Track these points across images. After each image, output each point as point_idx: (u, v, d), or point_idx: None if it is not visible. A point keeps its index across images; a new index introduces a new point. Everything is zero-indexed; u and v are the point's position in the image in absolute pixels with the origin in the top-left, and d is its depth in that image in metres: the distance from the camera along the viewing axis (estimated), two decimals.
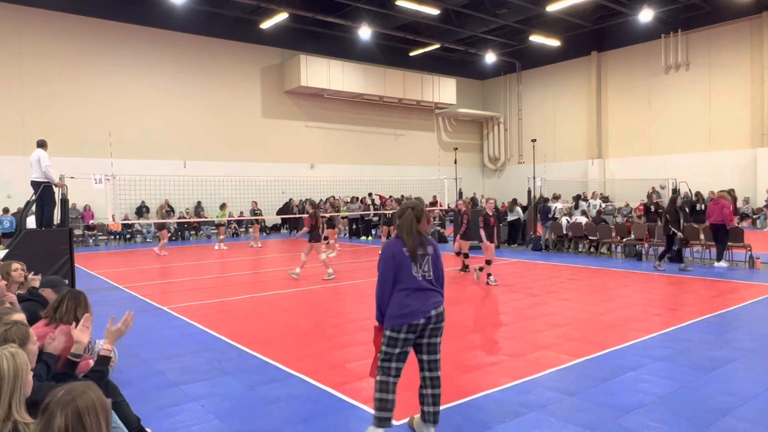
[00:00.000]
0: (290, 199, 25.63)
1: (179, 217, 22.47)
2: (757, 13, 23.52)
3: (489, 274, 10.41)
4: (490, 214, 10.78)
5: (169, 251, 17.14)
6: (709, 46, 25.41)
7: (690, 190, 23.51)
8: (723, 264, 12.02)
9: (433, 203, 23.34)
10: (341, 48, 28.14)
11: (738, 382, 4.94)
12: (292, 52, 26.77)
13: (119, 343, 5.43)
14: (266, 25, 24.60)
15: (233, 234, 24.20)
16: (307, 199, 18.08)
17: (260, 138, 26.22)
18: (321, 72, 26.58)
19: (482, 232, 10.56)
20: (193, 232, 23.54)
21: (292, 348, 6.40)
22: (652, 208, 16.63)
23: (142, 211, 22.40)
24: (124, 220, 19.91)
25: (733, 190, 20.63)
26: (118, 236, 21.97)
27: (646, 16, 23.82)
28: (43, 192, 10.26)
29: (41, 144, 10.40)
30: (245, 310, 8.64)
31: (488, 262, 10.45)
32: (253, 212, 20.23)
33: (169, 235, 20.13)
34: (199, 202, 23.51)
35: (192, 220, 22.53)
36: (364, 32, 24.67)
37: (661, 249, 12.38)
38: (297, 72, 26.04)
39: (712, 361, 5.55)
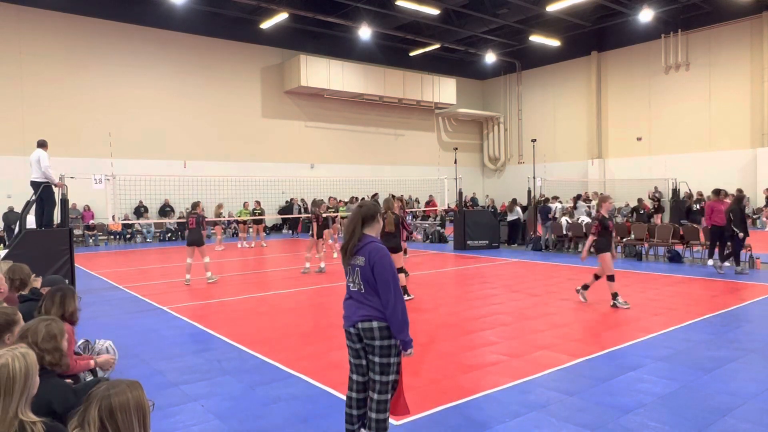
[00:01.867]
0: (291, 199, 25.65)
1: (179, 217, 22.45)
2: (757, 13, 23.51)
3: (615, 294, 8.18)
4: (607, 216, 8.47)
5: (169, 251, 17.13)
6: (709, 46, 25.40)
7: (690, 190, 23.51)
8: (726, 264, 11.91)
9: (429, 203, 23.33)
10: (341, 48, 28.14)
11: (738, 382, 4.94)
12: (292, 52, 26.77)
13: (119, 344, 5.44)
14: (266, 25, 24.60)
15: (233, 234, 24.19)
16: (321, 200, 18.12)
17: (260, 138, 26.22)
18: (321, 72, 26.58)
19: (589, 240, 8.49)
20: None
21: (292, 348, 6.40)
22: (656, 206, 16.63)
23: (140, 211, 22.40)
24: (125, 220, 19.91)
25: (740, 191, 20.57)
26: (118, 236, 21.96)
27: (646, 16, 23.81)
28: (43, 192, 10.27)
29: (41, 144, 10.41)
30: (245, 310, 8.64)
31: (610, 278, 8.21)
32: (254, 212, 20.21)
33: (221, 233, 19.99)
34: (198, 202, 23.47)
35: (240, 218, 22.50)
36: (364, 32, 24.67)
37: (662, 248, 12.37)
38: (297, 72, 26.04)
39: (712, 361, 5.55)
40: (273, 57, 26.78)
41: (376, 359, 3.39)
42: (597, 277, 8.50)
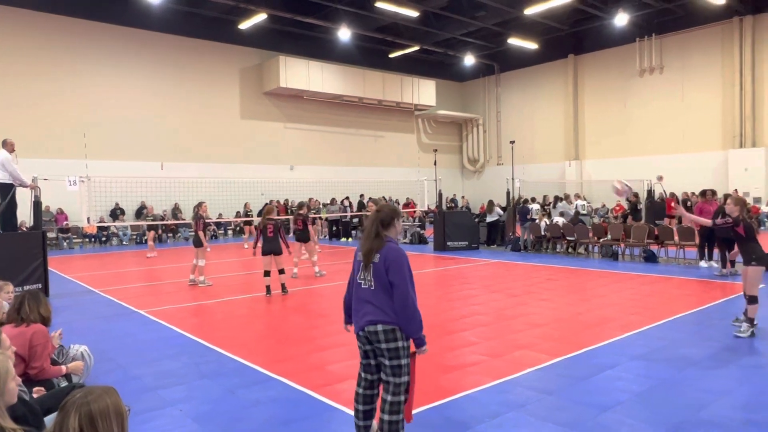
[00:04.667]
0: (270, 201, 25.47)
1: (159, 219, 22.13)
2: (728, 18, 24.08)
3: (752, 320, 6.50)
4: (740, 217, 6.65)
5: (145, 254, 16.87)
6: (683, 49, 25.94)
7: (664, 191, 23.94)
8: (704, 264, 12.08)
9: (407, 204, 23.38)
10: (320, 49, 28.06)
11: (711, 379, 5.05)
12: (271, 53, 26.61)
13: (95, 348, 5.34)
14: (245, 25, 24.43)
15: (212, 236, 23.94)
16: (303, 202, 17.98)
17: (239, 139, 25.99)
18: (300, 73, 26.48)
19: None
20: (170, 235, 23.23)
21: (271, 350, 6.35)
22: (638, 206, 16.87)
23: (116, 213, 22.04)
24: (100, 222, 19.54)
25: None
26: (93, 239, 21.56)
27: (621, 20, 24.22)
28: (6, 193, 9.96)
29: (4, 144, 10.11)
30: (224, 313, 8.55)
31: (752, 300, 6.48)
32: (246, 213, 19.91)
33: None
34: (176, 204, 23.21)
35: (241, 219, 22.19)
36: (344, 33, 24.65)
37: (637, 249, 12.54)
38: (276, 73, 25.90)
39: (687, 358, 5.66)
40: (252, 58, 26.60)
41: (386, 362, 3.45)
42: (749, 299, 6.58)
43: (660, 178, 19.48)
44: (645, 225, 14.77)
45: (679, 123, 26.13)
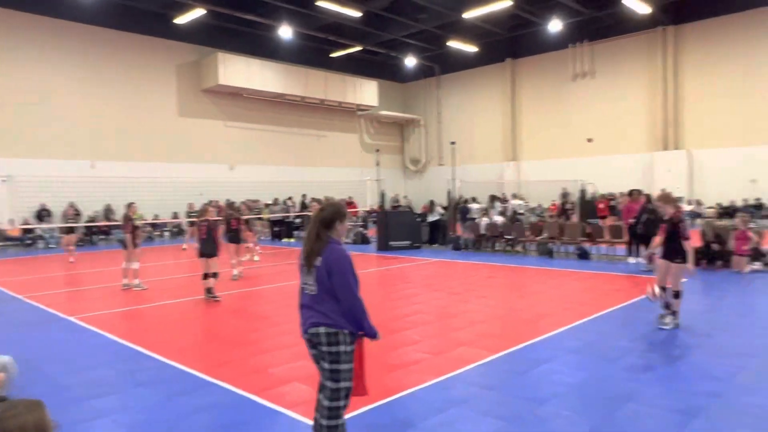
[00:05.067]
0: (210, 201, 24.78)
1: (87, 221, 21.10)
2: (653, 27, 25.49)
3: (675, 313, 6.89)
4: (675, 220, 6.85)
5: (76, 257, 16.05)
6: (612, 56, 27.25)
7: (597, 191, 25.10)
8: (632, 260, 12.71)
9: (348, 204, 23.39)
10: (261, 47, 27.58)
11: (640, 369, 5.33)
12: (210, 49, 25.91)
13: (20, 358, 5.03)
14: (181, 20, 23.65)
15: (147, 238, 23.05)
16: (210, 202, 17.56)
17: (176, 138, 25.15)
18: (240, 71, 25.93)
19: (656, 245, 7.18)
20: (103, 237, 22.18)
21: (211, 355, 6.20)
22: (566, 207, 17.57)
23: (42, 215, 20.83)
24: (24, 224, 18.41)
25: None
26: (17, 242, 20.27)
27: (555, 26, 25.18)
28: None
29: None
30: (160, 317, 8.26)
31: (677, 295, 6.85)
32: (189, 215, 19.24)
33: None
34: (108, 206, 22.18)
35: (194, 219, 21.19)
36: (285, 31, 24.35)
37: (571, 246, 13.05)
38: (215, 70, 25.25)
39: (617, 350, 5.96)
40: (189, 54, 25.80)
41: (326, 365, 3.34)
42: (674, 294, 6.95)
43: (590, 140, 20.45)
44: (578, 223, 15.43)
45: (609, 126, 27.42)
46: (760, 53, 22.91)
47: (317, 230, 3.37)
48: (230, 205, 12.94)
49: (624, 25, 25.94)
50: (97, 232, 21.95)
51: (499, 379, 5.13)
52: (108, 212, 22.14)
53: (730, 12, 23.47)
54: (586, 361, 5.61)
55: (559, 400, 4.59)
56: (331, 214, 3.41)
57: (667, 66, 25.31)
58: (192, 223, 19.80)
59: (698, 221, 20.98)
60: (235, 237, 12.17)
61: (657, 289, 6.97)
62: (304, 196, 25.23)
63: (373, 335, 3.42)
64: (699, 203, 24.06)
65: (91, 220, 21.75)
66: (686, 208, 23.88)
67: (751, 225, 12.29)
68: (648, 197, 12.84)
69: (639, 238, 12.03)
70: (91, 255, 17.76)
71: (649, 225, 11.68)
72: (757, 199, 22.59)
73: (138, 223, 10.94)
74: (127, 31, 23.65)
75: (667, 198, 7.15)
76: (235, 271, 11.91)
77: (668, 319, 6.88)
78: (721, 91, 24.04)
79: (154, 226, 23.49)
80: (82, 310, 8.76)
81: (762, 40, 22.82)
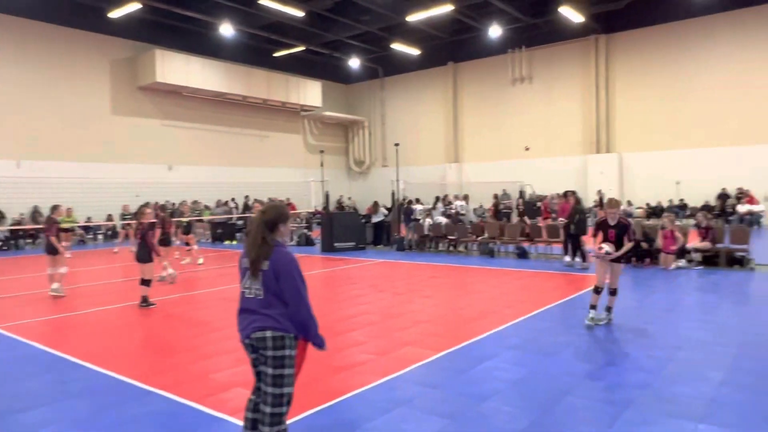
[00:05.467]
0: (146, 203, 23.87)
1: (11, 224, 19.87)
2: (586, 36, 26.62)
3: (610, 309, 7.30)
4: (611, 223, 7.14)
5: (1, 263, 15.09)
6: (549, 62, 28.25)
7: (534, 191, 25.94)
8: (577, 260, 13.18)
9: (288, 204, 23.14)
10: (201, 44, 26.86)
11: (576, 364, 5.55)
12: (147, 45, 24.98)
13: None
14: (116, 14, 22.64)
15: (79, 241, 21.98)
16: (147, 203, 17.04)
17: (110, 136, 24.06)
18: (179, 68, 25.13)
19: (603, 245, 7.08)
20: (30, 241, 20.93)
21: (149, 362, 5.97)
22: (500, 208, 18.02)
23: None
24: None
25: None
26: None
27: (495, 31, 25.85)
28: None
29: None
30: (93, 325, 7.89)
31: (615, 292, 7.25)
32: (123, 216, 18.42)
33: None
34: (36, 207, 20.97)
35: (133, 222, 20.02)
36: (226, 29, 23.81)
37: (511, 246, 13.40)
38: (152, 67, 24.35)
39: (555, 346, 6.18)
40: (124, 50, 24.77)
41: (269, 370, 3.25)
42: (611, 292, 7.27)
43: (527, 149, 21.32)
44: (518, 224, 15.89)
45: (546, 130, 28.41)
46: (683, 62, 24.36)
47: (262, 234, 3.29)
48: (161, 207, 12.58)
49: (560, 33, 26.95)
50: (24, 236, 20.72)
51: (442, 378, 5.21)
52: (36, 215, 20.92)
53: (656, 23, 24.85)
54: (526, 358, 5.79)
55: (501, 396, 4.72)
56: (274, 216, 3.35)
57: (600, 73, 26.50)
58: (124, 226, 19.06)
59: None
60: (167, 240, 11.89)
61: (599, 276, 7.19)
62: (246, 197, 24.76)
63: (320, 344, 3.39)
64: (629, 204, 25.29)
65: (17, 223, 20.52)
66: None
67: (677, 224, 13.03)
68: (576, 198, 13.39)
69: (571, 237, 12.52)
70: (15, 260, 16.73)
71: (580, 225, 12.26)
72: (681, 200, 24.00)
73: (67, 226, 10.42)
74: (57, 24, 22.46)
75: (616, 203, 7.29)
76: (171, 270, 11.58)
77: (604, 315, 7.21)
78: (648, 97, 25.39)
79: (86, 229, 22.42)
80: (5, 319, 8.24)
81: (684, 50, 24.28)
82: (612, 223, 7.12)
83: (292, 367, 3.31)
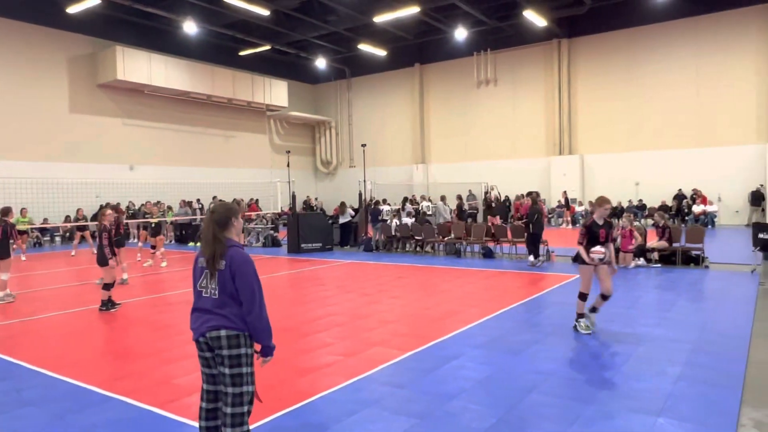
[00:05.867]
0: (106, 204, 23.27)
1: None
2: (549, 39, 27.16)
3: (581, 316, 6.86)
4: (600, 223, 6.71)
5: None
6: (513, 65, 28.71)
7: (499, 193, 26.31)
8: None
9: (249, 206, 22.90)
10: (164, 42, 26.31)
11: (541, 362, 5.65)
12: (107, 42, 24.32)
13: None
14: (74, 9, 21.96)
15: (35, 244, 21.24)
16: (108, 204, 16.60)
17: (68, 135, 23.32)
18: (141, 66, 24.55)
19: (581, 249, 6.70)
20: None
21: (109, 368, 5.81)
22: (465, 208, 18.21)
23: None
24: None
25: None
26: None
27: (460, 34, 26.14)
28: None
29: None
30: (50, 330, 7.63)
31: (604, 297, 6.80)
32: (76, 219, 17.85)
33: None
34: None
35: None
36: (189, 27, 23.38)
37: (477, 246, 13.55)
38: (112, 64, 23.71)
39: (520, 344, 6.28)
40: (83, 46, 24.06)
41: (226, 370, 3.23)
42: (604, 297, 6.80)
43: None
44: (483, 224, 16.08)
45: (510, 131, 28.86)
46: (642, 67, 25.10)
47: (213, 232, 3.29)
48: (115, 207, 12.26)
49: (523, 37, 27.42)
50: None
51: (410, 378, 5.23)
52: None
53: (617, 29, 25.54)
54: (492, 356, 5.86)
55: (468, 394, 4.77)
56: (223, 213, 3.35)
57: (562, 76, 27.06)
58: (81, 228, 18.49)
59: None
60: (120, 241, 11.62)
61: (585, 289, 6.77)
62: (215, 198, 24.35)
63: (268, 348, 3.32)
64: (590, 204, 25.89)
65: None
66: (579, 209, 25.66)
67: (636, 224, 13.42)
68: (533, 198, 13.67)
69: (530, 236, 12.81)
70: None
71: (537, 224, 12.57)
72: (640, 201, 24.71)
73: (22, 227, 10.04)
74: (12, 18, 21.65)
75: (607, 200, 6.80)
76: (125, 276, 11.38)
77: (593, 319, 6.88)
78: (608, 100, 26.08)
79: (43, 231, 21.68)
80: None
81: (643, 55, 25.03)
82: (600, 222, 6.66)
83: (250, 365, 3.29)
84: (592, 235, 6.64)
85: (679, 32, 24.18)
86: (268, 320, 3.30)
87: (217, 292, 3.26)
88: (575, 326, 6.83)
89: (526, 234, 13.26)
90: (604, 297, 6.76)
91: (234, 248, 3.29)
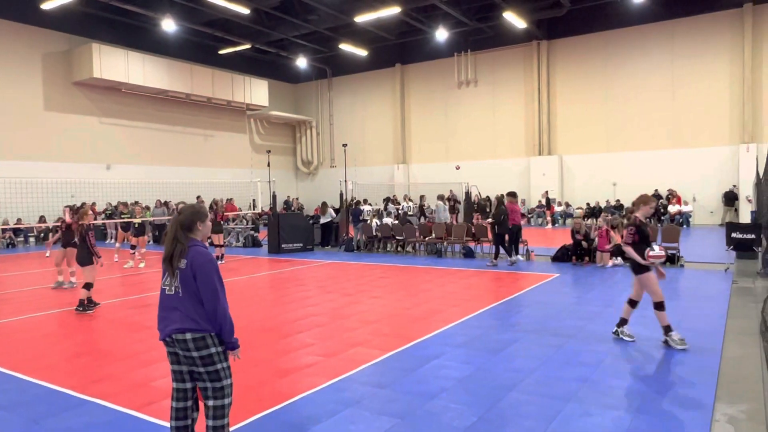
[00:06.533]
0: (83, 203, 22.85)
1: None
2: (528, 41, 27.43)
3: (668, 328, 6.05)
4: (645, 222, 6.22)
5: None
6: (493, 66, 28.93)
7: (479, 193, 26.48)
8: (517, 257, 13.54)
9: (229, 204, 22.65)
10: (142, 39, 25.94)
11: (520, 360, 5.70)
12: (83, 39, 23.90)
13: None
14: (49, 5, 21.53)
15: (8, 245, 20.79)
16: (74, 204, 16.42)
17: (43, 134, 22.89)
18: (118, 64, 24.18)
19: (631, 252, 6.07)
20: None
21: (85, 370, 5.70)
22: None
23: None
24: None
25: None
26: None
27: (441, 35, 26.25)
28: None
29: None
30: (23, 332, 7.47)
31: (658, 306, 6.06)
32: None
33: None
34: None
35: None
36: (168, 25, 23.09)
37: (458, 246, 13.61)
38: (89, 62, 23.32)
39: (500, 343, 6.32)
40: (58, 43, 23.62)
41: (201, 369, 3.25)
42: (634, 303, 6.31)
43: (457, 168, 22.04)
44: (464, 224, 16.18)
45: (490, 132, 29.08)
46: (618, 68, 25.50)
47: (175, 233, 3.29)
48: (73, 207, 12.03)
49: (504, 38, 27.65)
50: None
51: (391, 377, 5.23)
52: None
53: (595, 31, 25.91)
54: (473, 355, 5.90)
55: (448, 393, 4.79)
56: (189, 216, 3.36)
57: (541, 77, 27.35)
58: (56, 229, 18.13)
59: (569, 221, 22.86)
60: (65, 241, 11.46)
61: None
62: (198, 197, 24.06)
63: (231, 344, 3.33)
64: (568, 204, 26.23)
65: None
66: (558, 209, 25.95)
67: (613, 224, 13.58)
68: (498, 199, 13.72)
69: (497, 236, 12.98)
70: None
71: (503, 224, 12.82)
72: (618, 201, 25.08)
73: None
74: None
75: (653, 199, 6.25)
76: (60, 278, 11.18)
77: (627, 331, 6.34)
78: (586, 101, 26.44)
79: (16, 231, 21.22)
80: None
81: (620, 57, 25.43)
82: (638, 222, 6.09)
83: (224, 360, 3.30)
84: (642, 235, 6.03)
85: (655, 35, 24.62)
86: (230, 318, 3.32)
87: (180, 291, 3.25)
88: (666, 341, 6.02)
89: (491, 234, 13.43)
90: (635, 304, 6.28)
91: (195, 247, 3.29)
